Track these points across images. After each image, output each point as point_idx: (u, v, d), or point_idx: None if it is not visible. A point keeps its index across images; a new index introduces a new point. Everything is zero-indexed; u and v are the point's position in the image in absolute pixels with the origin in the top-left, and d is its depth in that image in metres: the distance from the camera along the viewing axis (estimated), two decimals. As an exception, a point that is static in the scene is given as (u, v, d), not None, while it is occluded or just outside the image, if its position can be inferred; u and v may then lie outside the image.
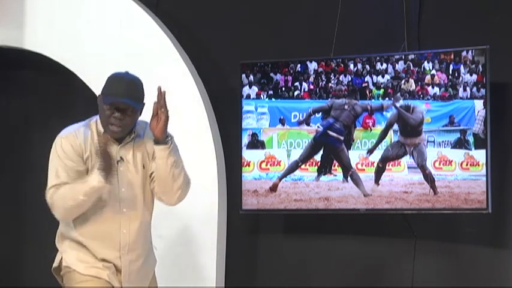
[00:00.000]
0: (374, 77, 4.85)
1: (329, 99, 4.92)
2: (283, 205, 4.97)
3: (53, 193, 3.63)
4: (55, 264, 3.78)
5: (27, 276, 5.74)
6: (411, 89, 4.77)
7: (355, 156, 4.87)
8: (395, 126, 4.79)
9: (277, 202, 4.97)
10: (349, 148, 4.88)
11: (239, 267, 5.23)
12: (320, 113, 4.95)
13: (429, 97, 4.73)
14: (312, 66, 4.96)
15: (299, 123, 4.98)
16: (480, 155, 4.59)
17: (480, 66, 4.60)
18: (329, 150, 4.93)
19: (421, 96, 4.74)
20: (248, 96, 5.06)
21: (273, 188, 5.00)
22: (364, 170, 4.85)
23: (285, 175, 4.99)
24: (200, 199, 5.01)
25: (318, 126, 4.94)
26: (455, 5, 4.90)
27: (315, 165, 4.95)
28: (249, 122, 5.06)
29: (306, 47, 5.16)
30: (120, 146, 3.71)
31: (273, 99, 5.03)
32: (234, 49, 5.31)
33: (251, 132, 5.05)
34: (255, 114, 5.05)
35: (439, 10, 4.94)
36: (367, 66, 4.86)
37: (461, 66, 4.66)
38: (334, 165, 4.92)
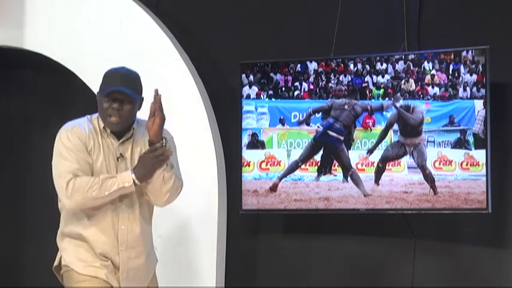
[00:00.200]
0: (374, 77, 4.85)
1: (329, 99, 4.92)
2: (283, 205, 4.97)
3: (71, 179, 3.60)
4: (55, 263, 3.79)
5: (27, 276, 5.74)
6: (411, 89, 4.77)
7: (355, 156, 4.87)
8: (395, 126, 4.79)
9: (277, 202, 4.97)
10: (349, 148, 4.88)
11: (239, 267, 5.23)
12: (320, 113, 4.95)
13: (429, 97, 4.73)
14: (312, 66, 4.96)
15: (299, 123, 4.98)
16: (480, 155, 4.59)
17: (480, 66, 4.60)
18: (329, 150, 4.93)
19: (421, 96, 4.74)
20: (248, 96, 5.06)
21: (273, 188, 5.00)
22: (364, 170, 4.85)
23: (285, 175, 4.99)
24: (200, 199, 5.02)
25: (318, 126, 4.94)
26: (455, 5, 4.90)
27: (315, 165, 4.95)
28: (249, 122, 5.06)
29: (306, 47, 5.16)
30: (120, 142, 3.73)
31: (273, 99, 5.03)
32: (234, 49, 5.31)
33: (251, 132, 5.05)
34: (255, 114, 5.05)
35: (439, 10, 4.94)
36: (367, 66, 4.86)
37: (461, 66, 4.66)
38: (334, 165, 4.92)
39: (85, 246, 3.70)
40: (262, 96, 5.04)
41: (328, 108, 4.92)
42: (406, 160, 4.77)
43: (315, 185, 4.94)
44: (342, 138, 4.89)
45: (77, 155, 3.64)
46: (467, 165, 4.64)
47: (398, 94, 4.78)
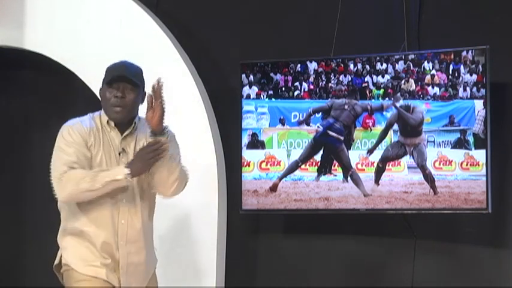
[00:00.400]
0: (374, 77, 4.85)
1: (329, 99, 4.92)
2: (283, 205, 4.97)
3: (65, 170, 3.62)
4: (56, 262, 3.80)
5: (27, 276, 5.74)
6: (411, 89, 4.77)
7: (355, 156, 4.87)
8: (395, 126, 4.79)
9: (277, 202, 4.97)
10: (349, 148, 4.88)
11: (239, 267, 5.23)
12: (320, 113, 4.95)
13: (429, 97, 4.73)
14: (312, 66, 4.96)
15: (299, 123, 4.98)
16: (480, 155, 4.59)
17: (480, 66, 4.60)
18: (329, 150, 4.93)
19: (421, 96, 4.74)
20: (248, 96, 5.06)
21: (273, 188, 5.00)
22: (364, 170, 4.85)
23: (285, 175, 4.99)
24: (200, 199, 5.02)
25: (318, 126, 4.94)
26: (455, 5, 4.90)
27: (315, 165, 4.95)
28: (249, 122, 5.06)
29: (306, 47, 5.17)
30: (123, 137, 3.74)
31: (273, 99, 5.03)
32: (234, 49, 5.31)
33: (251, 132, 5.05)
34: (255, 114, 5.05)
35: (439, 10, 4.94)
36: (367, 66, 4.86)
37: (461, 66, 4.66)
38: (334, 165, 4.92)
39: (86, 245, 3.70)
40: (262, 96, 5.04)
41: (328, 108, 4.92)
42: (406, 160, 4.78)
43: (315, 185, 4.94)
44: (342, 138, 4.89)
45: (76, 149, 3.66)
46: (467, 165, 4.64)
47: (398, 94, 4.78)
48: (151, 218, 3.87)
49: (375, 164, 4.83)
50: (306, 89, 4.97)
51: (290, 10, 5.24)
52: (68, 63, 5.33)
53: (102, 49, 5.20)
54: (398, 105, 4.77)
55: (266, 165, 5.03)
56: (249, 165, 5.04)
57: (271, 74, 5.03)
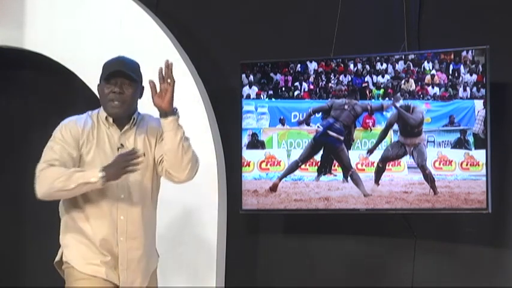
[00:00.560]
0: (374, 77, 4.85)
1: (329, 99, 4.92)
2: (283, 205, 4.97)
3: (44, 168, 3.64)
4: (57, 258, 3.80)
5: (27, 276, 5.74)
6: (411, 89, 4.77)
7: (355, 156, 4.87)
8: (396, 126, 4.79)
9: (277, 202, 4.97)
10: (349, 148, 4.88)
11: (239, 267, 5.23)
12: (320, 113, 4.95)
13: (429, 97, 4.73)
14: (312, 66, 4.96)
15: (299, 123, 4.98)
16: (480, 155, 4.59)
17: (480, 66, 4.60)
18: (329, 150, 4.93)
19: (421, 96, 4.74)
20: (248, 96, 5.06)
21: (273, 188, 5.00)
22: (364, 170, 4.86)
23: (285, 175, 4.99)
24: (200, 199, 5.02)
25: (318, 126, 4.94)
26: (455, 5, 4.90)
27: (315, 165, 4.95)
28: (249, 122, 5.06)
29: (306, 47, 5.17)
30: (122, 132, 3.73)
31: (273, 99, 5.03)
32: (234, 49, 5.31)
33: (251, 132, 5.05)
34: (255, 114, 5.05)
35: (439, 10, 4.94)
36: (367, 66, 4.86)
37: (461, 66, 4.66)
38: (334, 165, 4.92)
39: (85, 242, 3.70)
40: (262, 96, 5.04)
41: (328, 108, 4.92)
42: (406, 160, 4.78)
43: (315, 185, 4.94)
44: (342, 138, 4.89)
45: (61, 147, 3.67)
46: (467, 165, 4.64)
47: (398, 94, 4.78)
48: (152, 212, 3.83)
49: (375, 164, 4.83)
50: (306, 89, 4.97)
51: (290, 10, 5.24)
52: (68, 63, 5.34)
53: (102, 49, 5.19)
54: (398, 105, 4.77)
55: (266, 165, 5.03)
56: (249, 165, 5.04)
57: (271, 74, 5.03)
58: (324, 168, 4.94)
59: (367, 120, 4.85)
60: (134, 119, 3.77)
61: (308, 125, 4.96)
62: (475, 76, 4.62)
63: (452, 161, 4.67)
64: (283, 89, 5.01)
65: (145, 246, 3.77)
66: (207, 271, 5.04)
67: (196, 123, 5.09)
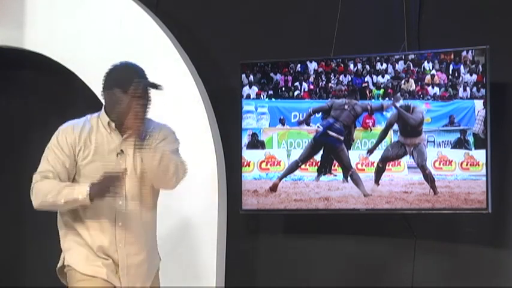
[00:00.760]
0: (374, 77, 4.85)
1: (329, 99, 4.92)
2: (283, 205, 4.97)
3: (37, 180, 3.66)
4: (59, 264, 3.80)
5: (27, 276, 5.74)
6: (411, 89, 4.77)
7: (355, 156, 4.87)
8: (396, 126, 4.79)
9: (277, 202, 4.97)
10: (349, 148, 4.88)
11: (239, 267, 5.23)
12: (320, 113, 4.95)
13: (429, 97, 4.73)
14: (312, 66, 4.96)
15: (299, 123, 4.98)
16: (480, 155, 4.59)
17: (480, 66, 4.60)
18: (329, 150, 4.93)
19: (421, 96, 4.74)
20: (248, 96, 5.06)
21: (273, 188, 5.00)
22: (364, 170, 4.85)
23: (285, 175, 4.98)
24: (200, 199, 5.02)
25: (318, 126, 4.94)
26: (455, 5, 4.90)
27: (315, 165, 4.95)
28: (249, 122, 5.06)
29: (306, 47, 5.16)
30: (123, 138, 3.71)
31: (273, 99, 5.03)
32: (234, 49, 5.31)
33: (251, 132, 5.05)
34: (255, 114, 5.05)
35: (439, 10, 4.94)
36: (367, 66, 4.86)
37: (461, 66, 4.66)
38: (334, 165, 4.92)
39: (86, 245, 3.70)
40: (262, 96, 5.04)
41: (328, 108, 4.92)
42: (406, 160, 4.77)
43: (315, 185, 4.93)
44: (342, 138, 4.89)
45: (55, 156, 3.68)
46: (467, 165, 4.63)
47: (398, 94, 4.78)
48: (152, 218, 3.84)
49: (375, 164, 4.83)
50: (306, 89, 4.97)
51: (290, 10, 5.24)
52: (68, 63, 5.33)
53: (102, 49, 5.20)
54: (398, 105, 4.77)
55: (266, 165, 5.03)
56: (249, 165, 5.04)
57: (271, 74, 5.03)
58: (324, 168, 4.93)
59: (367, 120, 4.85)
60: None
61: (308, 125, 4.96)
62: (475, 76, 4.62)
63: (452, 161, 4.67)
64: (283, 89, 5.01)
65: (145, 251, 3.77)
66: (207, 271, 5.04)
67: (196, 123, 5.10)
